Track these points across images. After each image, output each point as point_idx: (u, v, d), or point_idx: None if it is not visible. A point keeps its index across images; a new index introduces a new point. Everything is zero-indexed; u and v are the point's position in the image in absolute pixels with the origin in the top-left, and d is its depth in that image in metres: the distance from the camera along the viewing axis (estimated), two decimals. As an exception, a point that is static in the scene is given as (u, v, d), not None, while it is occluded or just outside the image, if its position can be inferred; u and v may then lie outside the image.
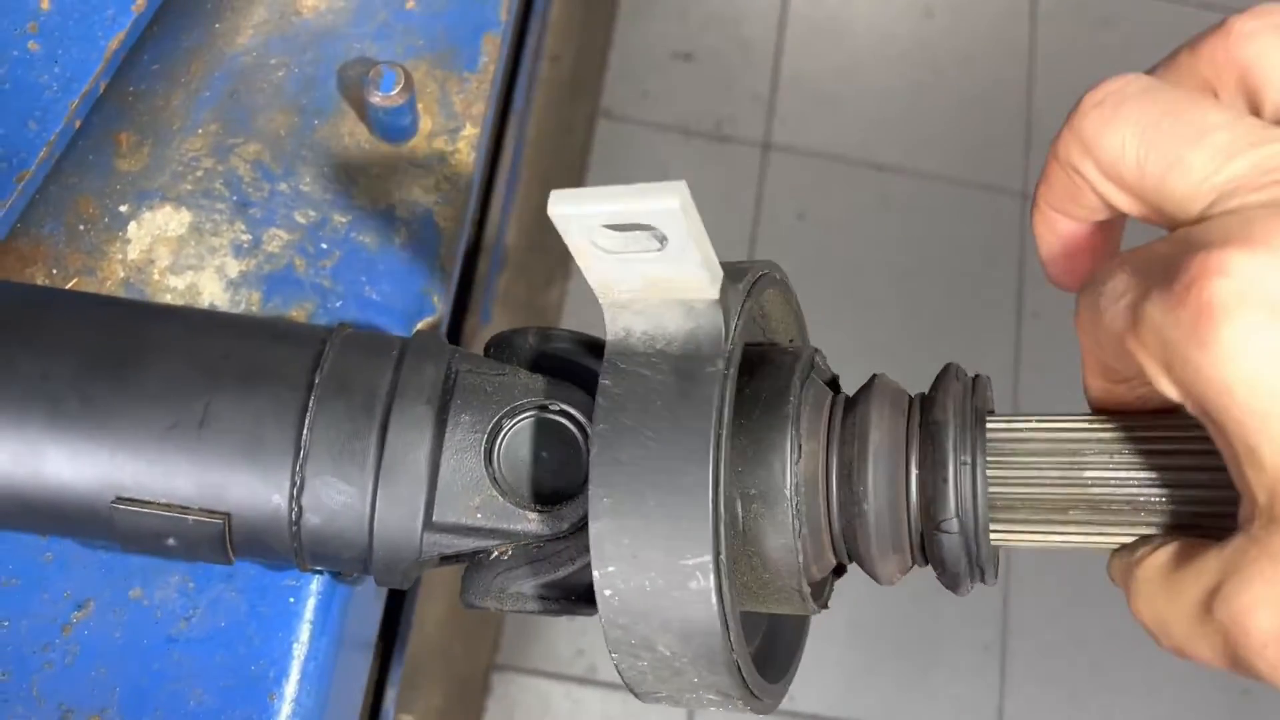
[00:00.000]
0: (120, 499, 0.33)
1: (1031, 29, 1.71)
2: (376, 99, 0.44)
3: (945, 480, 0.30)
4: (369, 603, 0.45)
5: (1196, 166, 0.25)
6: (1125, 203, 0.27)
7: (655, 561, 0.28)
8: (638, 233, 0.28)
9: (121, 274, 0.44)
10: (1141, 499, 0.29)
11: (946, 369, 0.33)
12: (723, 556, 0.28)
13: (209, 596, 0.38)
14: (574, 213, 0.27)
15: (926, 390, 0.34)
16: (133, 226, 0.44)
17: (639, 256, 0.28)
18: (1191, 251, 0.24)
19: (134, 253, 0.44)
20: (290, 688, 0.38)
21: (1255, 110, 0.27)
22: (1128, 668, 1.40)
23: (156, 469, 0.33)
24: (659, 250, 0.28)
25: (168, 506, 0.33)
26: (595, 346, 0.38)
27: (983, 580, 0.32)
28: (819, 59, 1.65)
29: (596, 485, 0.29)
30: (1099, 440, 0.30)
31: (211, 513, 0.33)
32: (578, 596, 0.35)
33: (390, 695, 0.57)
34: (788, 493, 0.31)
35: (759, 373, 0.34)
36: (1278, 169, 0.24)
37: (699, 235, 0.27)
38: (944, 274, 1.53)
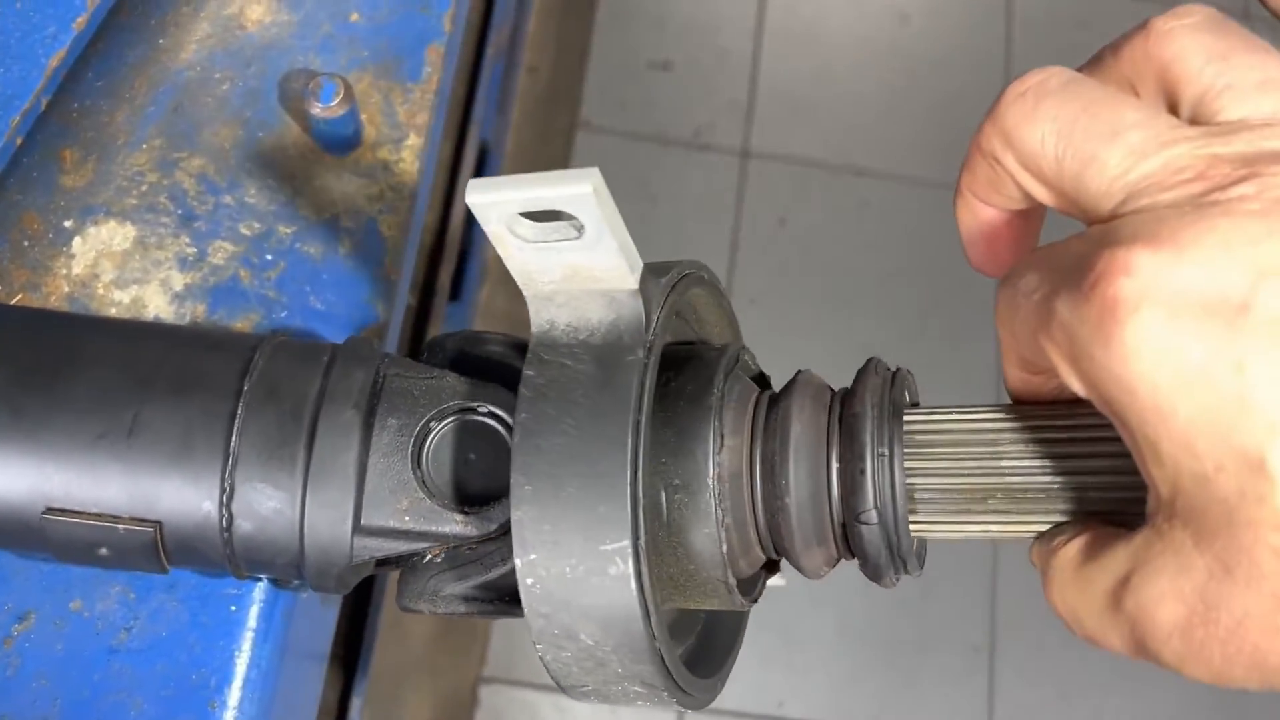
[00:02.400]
0: (51, 509, 0.33)
1: (1007, 32, 1.72)
2: (317, 110, 0.45)
3: (863, 472, 0.31)
4: (317, 612, 0.45)
5: (1111, 165, 0.25)
6: (1044, 195, 0.28)
7: (575, 548, 0.29)
8: (557, 222, 0.28)
9: (66, 289, 0.44)
10: (1057, 487, 0.29)
11: (867, 364, 0.33)
12: (642, 542, 0.29)
13: (150, 607, 0.39)
14: (491, 200, 0.27)
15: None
16: (77, 241, 0.45)
17: (558, 245, 0.29)
18: (1100, 249, 0.24)
19: (79, 267, 0.44)
20: (232, 695, 0.38)
21: (1172, 107, 0.27)
22: (1117, 666, 1.40)
23: (86, 479, 0.33)
24: (577, 239, 0.28)
25: (98, 516, 0.33)
26: (526, 348, 0.39)
27: (905, 571, 0.32)
28: (796, 66, 1.66)
29: (518, 473, 0.29)
30: (1015, 430, 0.30)
31: (142, 521, 0.33)
32: (510, 598, 0.35)
33: (355, 705, 0.57)
34: (710, 482, 0.32)
35: (686, 369, 0.34)
36: (1187, 168, 0.24)
37: (614, 221, 0.28)
38: (925, 275, 1.54)
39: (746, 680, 1.37)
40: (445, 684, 1.30)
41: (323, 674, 0.48)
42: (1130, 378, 0.23)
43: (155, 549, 0.34)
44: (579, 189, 0.26)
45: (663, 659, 0.30)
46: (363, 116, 0.48)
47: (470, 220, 0.89)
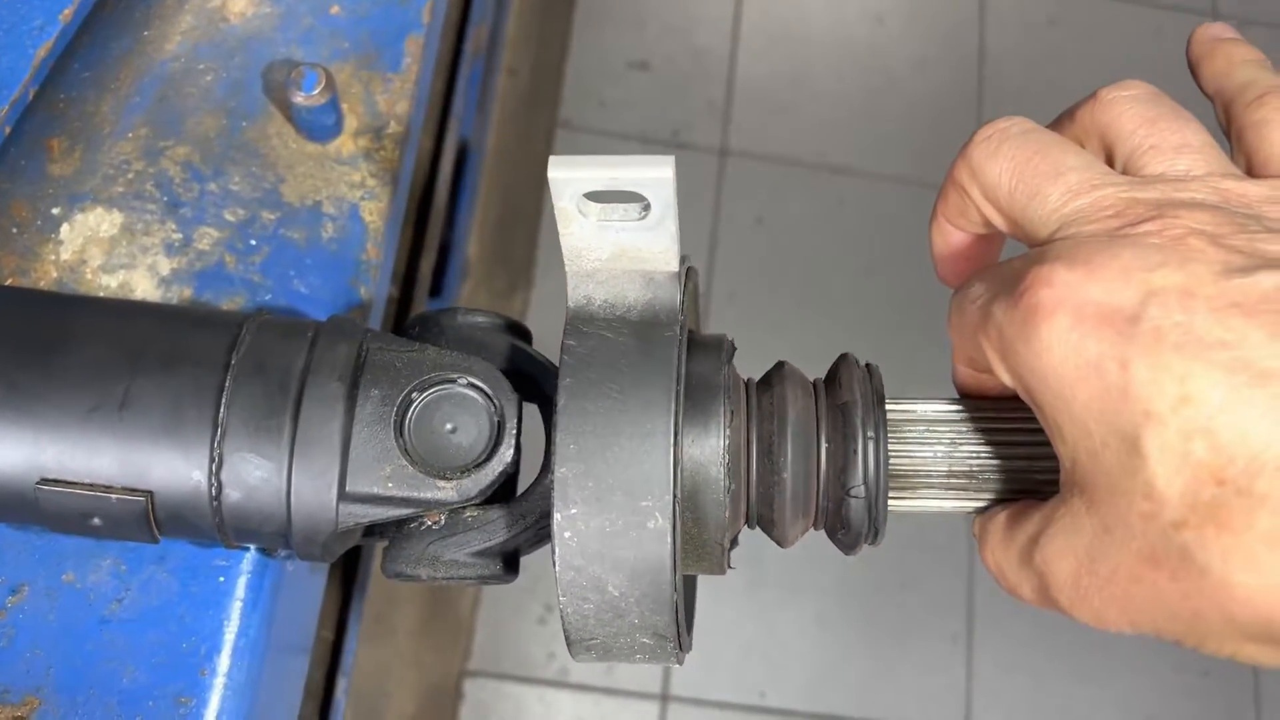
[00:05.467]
0: (45, 480, 0.34)
1: (981, 31, 1.74)
2: (299, 99, 0.46)
3: (855, 452, 0.34)
4: (304, 583, 0.46)
5: (1051, 198, 0.31)
6: (999, 221, 0.33)
7: (617, 503, 0.31)
8: (621, 204, 0.31)
9: (55, 274, 0.45)
10: (1002, 469, 0.35)
11: (845, 358, 0.37)
12: (679, 499, 0.31)
13: (141, 578, 0.40)
14: (571, 176, 0.30)
15: (822, 377, 0.38)
16: (65, 228, 0.46)
17: (618, 225, 0.31)
18: (1031, 265, 0.29)
19: (67, 253, 0.45)
20: (221, 663, 0.39)
21: (1110, 160, 0.33)
22: (1092, 655, 1.42)
23: (79, 450, 0.34)
24: (639, 220, 0.31)
25: (91, 486, 0.34)
26: (513, 326, 0.40)
27: (873, 541, 0.36)
28: (773, 66, 1.68)
29: (564, 433, 0.31)
30: (971, 420, 0.35)
31: (134, 491, 0.35)
32: (504, 563, 0.37)
33: (342, 685, 0.59)
34: (722, 453, 0.34)
35: (693, 352, 0.37)
36: (1109, 207, 0.30)
37: (676, 207, 0.31)
38: (900, 272, 1.56)
39: (727, 671, 1.38)
40: (429, 678, 1.31)
41: (310, 646, 0.50)
42: (1043, 368, 0.28)
43: (146, 518, 0.35)
44: (662, 173, 0.29)
45: (678, 610, 0.32)
46: (344, 106, 0.49)
47: (451, 216, 0.91)
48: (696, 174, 1.59)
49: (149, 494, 0.35)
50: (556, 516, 0.31)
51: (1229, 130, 0.34)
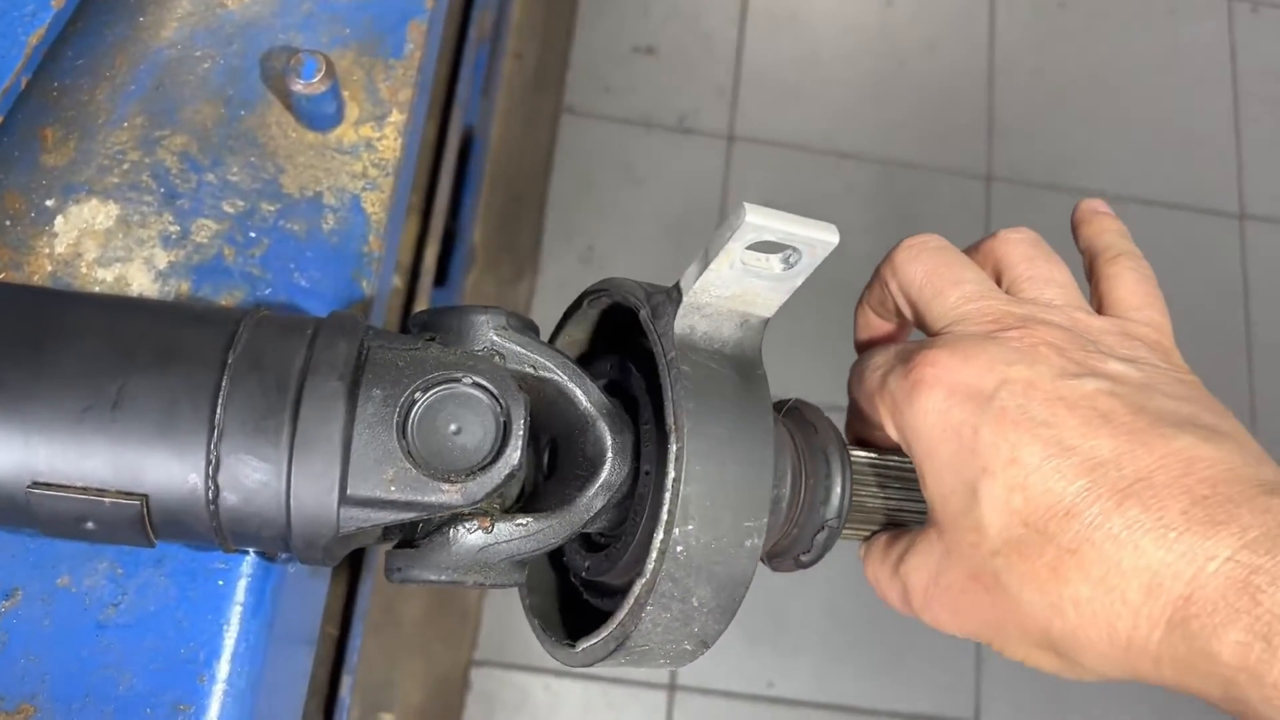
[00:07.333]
0: (36, 483, 0.33)
1: (990, 14, 1.72)
2: (299, 87, 0.44)
3: (833, 490, 0.40)
4: (306, 586, 0.45)
5: (949, 300, 0.39)
6: (909, 311, 0.41)
7: (726, 522, 0.34)
8: (766, 254, 0.34)
9: (49, 268, 0.44)
10: (892, 504, 0.42)
11: (808, 405, 0.42)
12: (768, 522, 0.35)
13: (138, 582, 0.39)
14: (765, 224, 0.33)
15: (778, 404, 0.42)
16: (60, 220, 0.45)
17: (757, 271, 0.35)
18: (923, 349, 0.37)
19: (61, 246, 0.44)
20: (221, 669, 0.38)
21: (998, 280, 0.41)
22: (1103, 643, 1.41)
23: (71, 452, 0.33)
24: (779, 272, 0.35)
25: (84, 490, 0.33)
26: (525, 324, 0.39)
27: (816, 562, 0.41)
28: (780, 51, 1.66)
29: (692, 455, 0.34)
30: (890, 468, 0.42)
31: (129, 494, 0.33)
32: (523, 568, 0.36)
33: (346, 683, 0.58)
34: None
35: None
36: (989, 314, 0.38)
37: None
38: (909, 259, 1.54)
39: (736, 661, 1.37)
40: (437, 667, 1.30)
41: (313, 649, 0.49)
42: (919, 428, 0.36)
43: (142, 522, 0.34)
44: (831, 238, 0.34)
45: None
46: (345, 94, 0.48)
47: (456, 203, 0.89)
48: (704, 160, 1.58)
49: (144, 497, 0.34)
50: (675, 531, 0.33)
51: (1090, 277, 0.42)
